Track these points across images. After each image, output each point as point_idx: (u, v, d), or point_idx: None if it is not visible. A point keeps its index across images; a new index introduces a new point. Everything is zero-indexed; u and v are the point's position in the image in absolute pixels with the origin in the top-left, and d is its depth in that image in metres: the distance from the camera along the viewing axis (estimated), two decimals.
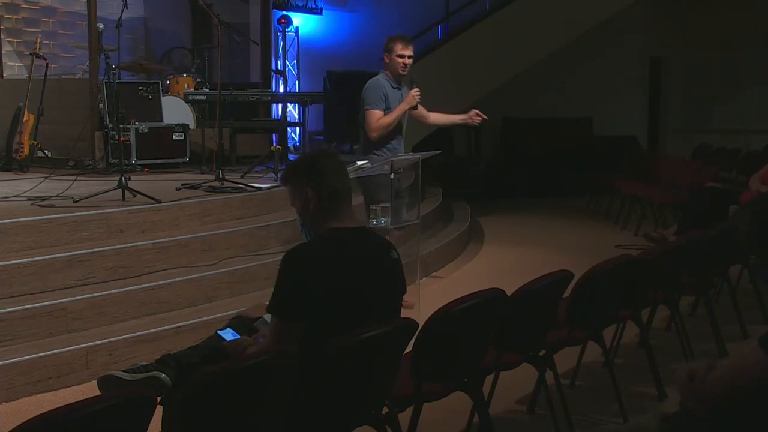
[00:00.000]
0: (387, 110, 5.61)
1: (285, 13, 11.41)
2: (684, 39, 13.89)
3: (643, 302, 4.42)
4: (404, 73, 5.68)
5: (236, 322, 3.29)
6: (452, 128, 12.65)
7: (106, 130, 7.66)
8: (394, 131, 5.71)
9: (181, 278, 5.16)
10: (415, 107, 5.66)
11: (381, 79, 5.68)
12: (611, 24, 12.11)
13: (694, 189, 8.44)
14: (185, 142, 8.14)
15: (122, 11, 7.42)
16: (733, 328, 5.30)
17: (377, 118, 5.60)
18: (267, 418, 2.56)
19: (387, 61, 5.68)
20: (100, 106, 7.82)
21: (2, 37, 9.57)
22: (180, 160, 8.08)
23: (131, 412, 2.16)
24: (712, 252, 4.97)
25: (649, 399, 4.27)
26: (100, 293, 4.74)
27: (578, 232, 9.35)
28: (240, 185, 6.58)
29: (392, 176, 5.25)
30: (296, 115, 10.81)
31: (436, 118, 6.10)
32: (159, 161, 7.95)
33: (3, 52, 9.46)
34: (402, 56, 5.62)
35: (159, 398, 2.34)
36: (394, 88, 5.69)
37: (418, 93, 5.61)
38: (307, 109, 8.46)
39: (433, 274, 7.10)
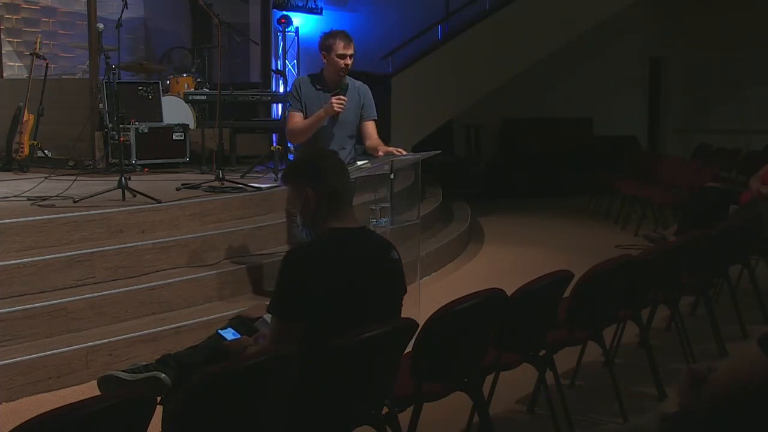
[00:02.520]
0: (305, 113, 4.94)
1: (285, 13, 11.41)
2: (684, 39, 13.90)
3: (643, 302, 4.42)
4: (344, 75, 4.94)
5: (236, 322, 3.29)
6: (452, 128, 12.69)
7: (106, 130, 7.67)
8: (324, 139, 4.92)
9: (181, 278, 5.16)
10: (335, 116, 4.85)
11: (302, 79, 5.05)
12: (611, 24, 12.12)
13: (694, 189, 8.44)
14: (185, 142, 8.14)
15: (122, 11, 7.43)
16: (733, 328, 5.30)
17: (294, 121, 4.94)
18: (267, 418, 2.56)
19: (325, 60, 4.93)
20: (100, 106, 7.82)
21: (2, 37, 9.57)
22: (180, 160, 8.09)
23: (131, 412, 2.16)
24: (712, 252, 4.97)
25: (649, 399, 4.28)
26: (100, 293, 4.75)
27: (578, 232, 9.35)
28: (240, 185, 6.58)
29: (392, 176, 5.23)
30: None
31: (373, 143, 5.00)
32: (159, 161, 7.95)
33: (3, 52, 9.46)
34: (343, 56, 4.87)
35: (159, 398, 2.34)
36: (319, 89, 4.95)
37: (340, 101, 4.79)
38: None
39: (433, 274, 7.10)
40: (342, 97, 4.82)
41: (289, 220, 5.10)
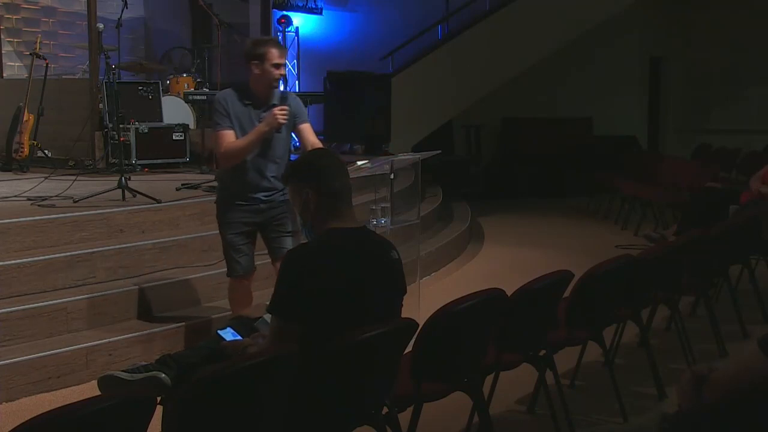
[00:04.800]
0: (236, 133, 4.38)
1: (285, 13, 11.42)
2: (684, 39, 13.90)
3: (643, 302, 4.42)
4: (276, 87, 4.45)
5: (236, 322, 3.30)
6: (452, 128, 12.69)
7: (106, 130, 7.67)
8: (258, 157, 4.41)
9: (181, 278, 5.16)
10: (278, 129, 4.34)
11: (227, 93, 4.42)
12: (611, 24, 12.12)
13: (694, 189, 8.44)
14: (185, 142, 8.14)
15: (122, 11, 7.43)
16: (733, 328, 5.30)
17: (228, 141, 4.33)
18: (267, 419, 2.56)
19: (257, 71, 4.33)
20: (100, 106, 7.82)
21: (2, 37, 9.57)
22: (180, 160, 8.09)
23: (131, 412, 2.16)
24: (712, 252, 4.97)
25: (649, 399, 4.28)
26: (100, 293, 4.75)
27: (578, 232, 9.35)
28: None
29: (392, 176, 5.23)
30: None
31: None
32: (159, 161, 7.95)
33: (3, 52, 9.45)
34: (278, 65, 4.34)
35: (159, 398, 2.34)
36: (248, 105, 4.37)
37: (284, 112, 4.29)
38: (307, 109, 8.44)
39: (433, 274, 7.10)
40: (285, 107, 4.33)
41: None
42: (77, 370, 4.34)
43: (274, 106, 4.34)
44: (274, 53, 4.32)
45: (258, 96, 4.39)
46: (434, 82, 10.95)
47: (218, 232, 4.67)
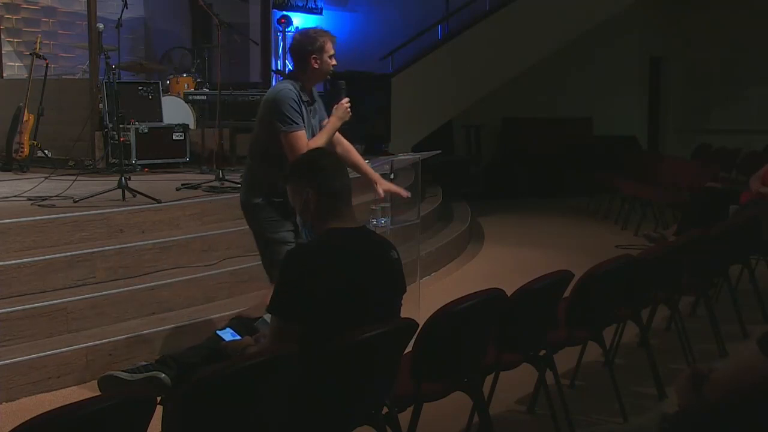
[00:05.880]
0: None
1: (285, 13, 11.42)
2: (684, 39, 13.90)
3: (643, 302, 4.42)
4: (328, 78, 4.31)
5: (236, 322, 3.31)
6: (452, 128, 12.69)
7: (106, 130, 7.67)
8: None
9: (181, 278, 5.16)
10: (346, 124, 4.26)
11: (292, 90, 4.09)
12: (611, 24, 12.12)
13: (694, 189, 8.45)
14: (185, 142, 8.13)
15: (122, 11, 7.42)
16: (733, 328, 5.30)
17: (305, 142, 4.03)
18: (267, 419, 2.56)
19: (316, 65, 4.10)
20: (100, 106, 7.82)
21: (2, 37, 9.57)
22: (180, 160, 8.08)
23: (131, 412, 2.16)
24: (712, 252, 4.98)
25: (649, 399, 4.28)
26: (100, 293, 4.74)
27: (578, 232, 9.35)
28: (240, 185, 6.57)
29: (392, 176, 5.23)
30: None
31: (349, 154, 4.44)
32: (159, 161, 7.94)
33: (3, 52, 9.45)
34: (332, 56, 4.15)
35: (159, 398, 2.34)
36: (304, 102, 4.13)
37: (350, 104, 4.22)
38: None
39: (433, 274, 7.10)
40: (348, 98, 4.22)
41: None
42: (77, 370, 4.33)
43: (313, 102, 4.21)
44: (330, 44, 4.11)
45: (308, 92, 4.19)
46: (434, 82, 10.95)
47: (253, 236, 4.36)
